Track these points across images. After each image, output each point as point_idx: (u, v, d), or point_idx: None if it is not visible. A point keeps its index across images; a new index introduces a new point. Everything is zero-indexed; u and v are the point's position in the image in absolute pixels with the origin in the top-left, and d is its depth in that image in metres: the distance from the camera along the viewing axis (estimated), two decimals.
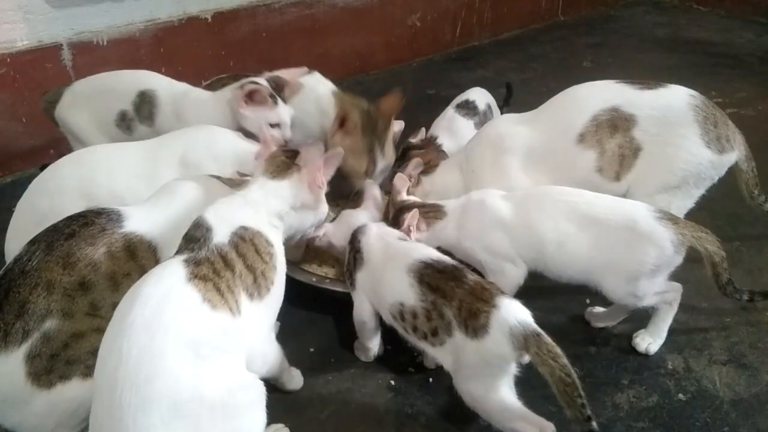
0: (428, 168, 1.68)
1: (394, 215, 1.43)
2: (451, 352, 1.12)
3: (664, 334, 1.39)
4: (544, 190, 1.37)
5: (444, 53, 3.30)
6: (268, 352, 1.15)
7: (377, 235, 1.31)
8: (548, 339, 1.02)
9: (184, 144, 1.46)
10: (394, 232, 1.32)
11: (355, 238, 1.33)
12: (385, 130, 1.74)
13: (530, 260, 1.33)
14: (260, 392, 1.00)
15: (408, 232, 1.34)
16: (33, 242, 1.10)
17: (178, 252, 1.05)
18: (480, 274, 1.41)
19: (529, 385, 1.31)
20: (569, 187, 1.35)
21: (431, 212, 1.40)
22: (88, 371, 1.04)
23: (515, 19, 3.58)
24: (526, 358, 1.06)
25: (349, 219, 1.43)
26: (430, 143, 1.90)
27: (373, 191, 1.50)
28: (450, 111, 2.04)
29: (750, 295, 1.35)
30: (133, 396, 0.85)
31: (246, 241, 1.09)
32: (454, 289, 1.10)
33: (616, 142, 1.43)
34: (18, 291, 1.04)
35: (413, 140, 1.90)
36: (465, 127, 1.96)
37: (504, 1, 3.45)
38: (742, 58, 3.15)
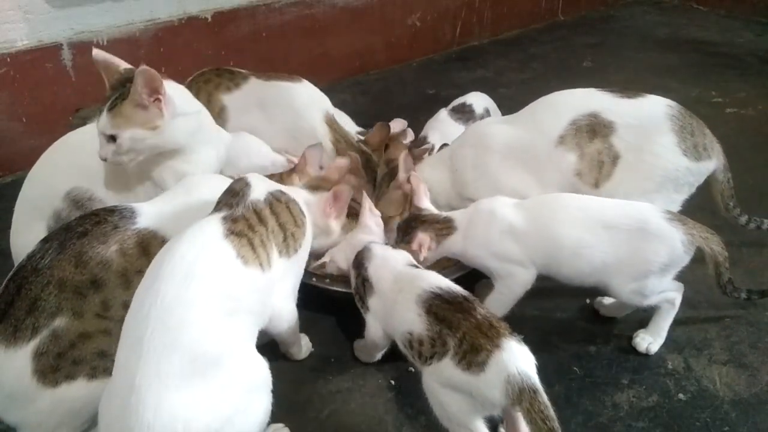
0: (414, 160, 1.70)
1: (406, 221, 1.42)
2: (432, 372, 1.10)
3: (664, 334, 1.39)
4: (554, 197, 1.38)
5: (444, 53, 3.29)
6: (291, 310, 1.24)
7: (383, 262, 1.28)
8: (544, 398, 0.97)
9: None
10: (400, 258, 1.29)
11: (360, 264, 1.30)
12: (379, 159, 1.78)
13: (541, 265, 1.33)
14: (268, 376, 1.04)
15: (418, 251, 1.34)
16: (46, 240, 1.12)
17: (217, 208, 1.13)
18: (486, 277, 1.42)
19: None
20: (576, 194, 1.38)
21: (444, 229, 1.38)
22: (93, 372, 1.05)
23: (515, 19, 3.58)
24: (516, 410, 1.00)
25: (351, 240, 1.41)
26: (419, 144, 1.90)
27: (368, 206, 1.47)
28: (443, 113, 2.03)
29: (747, 293, 1.40)
30: (161, 339, 0.89)
31: (281, 202, 1.20)
32: (461, 321, 1.06)
33: (595, 147, 1.44)
34: (30, 288, 1.05)
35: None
36: (455, 130, 1.93)
37: (504, 1, 3.45)
38: (742, 58, 3.15)
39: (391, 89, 2.86)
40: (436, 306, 1.11)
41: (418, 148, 1.86)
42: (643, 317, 1.42)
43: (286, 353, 1.37)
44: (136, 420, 0.86)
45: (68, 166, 1.40)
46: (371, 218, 1.45)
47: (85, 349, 1.05)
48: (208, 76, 1.86)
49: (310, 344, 1.40)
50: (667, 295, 1.35)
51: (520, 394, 0.96)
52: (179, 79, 1.77)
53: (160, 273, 0.95)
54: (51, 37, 2.06)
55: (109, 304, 1.09)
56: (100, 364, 1.05)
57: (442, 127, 1.97)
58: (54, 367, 1.03)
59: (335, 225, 1.37)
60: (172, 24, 2.32)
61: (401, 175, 1.60)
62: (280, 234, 1.15)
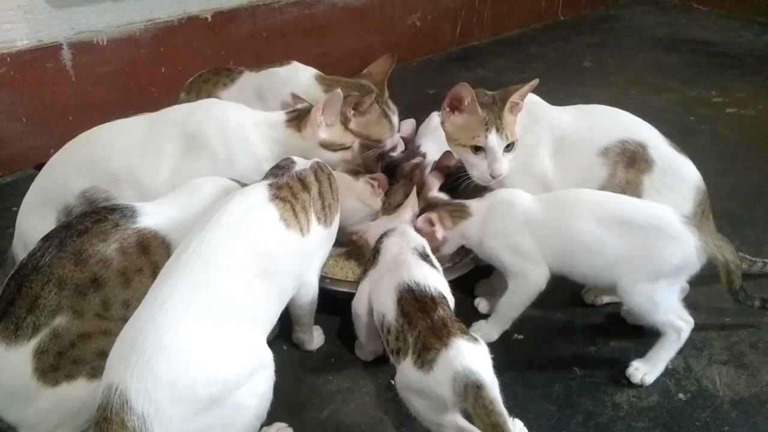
0: (407, 175, 1.70)
1: (421, 210, 1.45)
2: (399, 372, 1.12)
3: (662, 366, 1.33)
4: (572, 192, 1.38)
5: (444, 53, 3.30)
6: (316, 284, 1.32)
7: (397, 239, 1.32)
8: (490, 394, 0.98)
9: (187, 115, 1.45)
10: (413, 241, 1.31)
11: (381, 239, 1.35)
12: (383, 92, 1.80)
13: (555, 262, 1.33)
14: (272, 361, 1.06)
15: (431, 229, 1.36)
16: (47, 238, 1.12)
17: (264, 178, 1.22)
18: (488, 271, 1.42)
19: (530, 384, 1.32)
20: (594, 190, 1.38)
21: (457, 211, 1.40)
22: (93, 372, 1.04)
23: (515, 18, 3.58)
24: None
25: (387, 223, 1.44)
26: (411, 155, 1.84)
27: (413, 199, 1.49)
28: (435, 118, 1.95)
29: (762, 302, 1.35)
30: (197, 275, 0.98)
31: (324, 172, 1.30)
32: (419, 320, 1.09)
33: (626, 176, 1.44)
34: (30, 286, 1.05)
35: (393, 154, 1.85)
36: None
37: (504, 1, 3.45)
38: (742, 58, 3.15)
39: (391, 89, 2.84)
40: (404, 300, 1.14)
41: (408, 162, 1.78)
42: (642, 333, 1.38)
43: (298, 341, 1.40)
44: (153, 339, 0.89)
45: (88, 164, 1.39)
46: (411, 212, 1.47)
47: (85, 348, 1.05)
48: (207, 76, 1.90)
49: (323, 337, 1.44)
50: (675, 322, 1.28)
51: (465, 391, 0.98)
52: (179, 79, 1.77)
53: (209, 224, 1.05)
54: (51, 37, 2.06)
55: (109, 304, 1.09)
56: (100, 364, 1.04)
57: (436, 134, 1.83)
58: (54, 366, 1.03)
59: (380, 203, 1.57)
60: (172, 24, 2.32)
61: (514, 98, 1.46)
62: (319, 201, 1.24)
